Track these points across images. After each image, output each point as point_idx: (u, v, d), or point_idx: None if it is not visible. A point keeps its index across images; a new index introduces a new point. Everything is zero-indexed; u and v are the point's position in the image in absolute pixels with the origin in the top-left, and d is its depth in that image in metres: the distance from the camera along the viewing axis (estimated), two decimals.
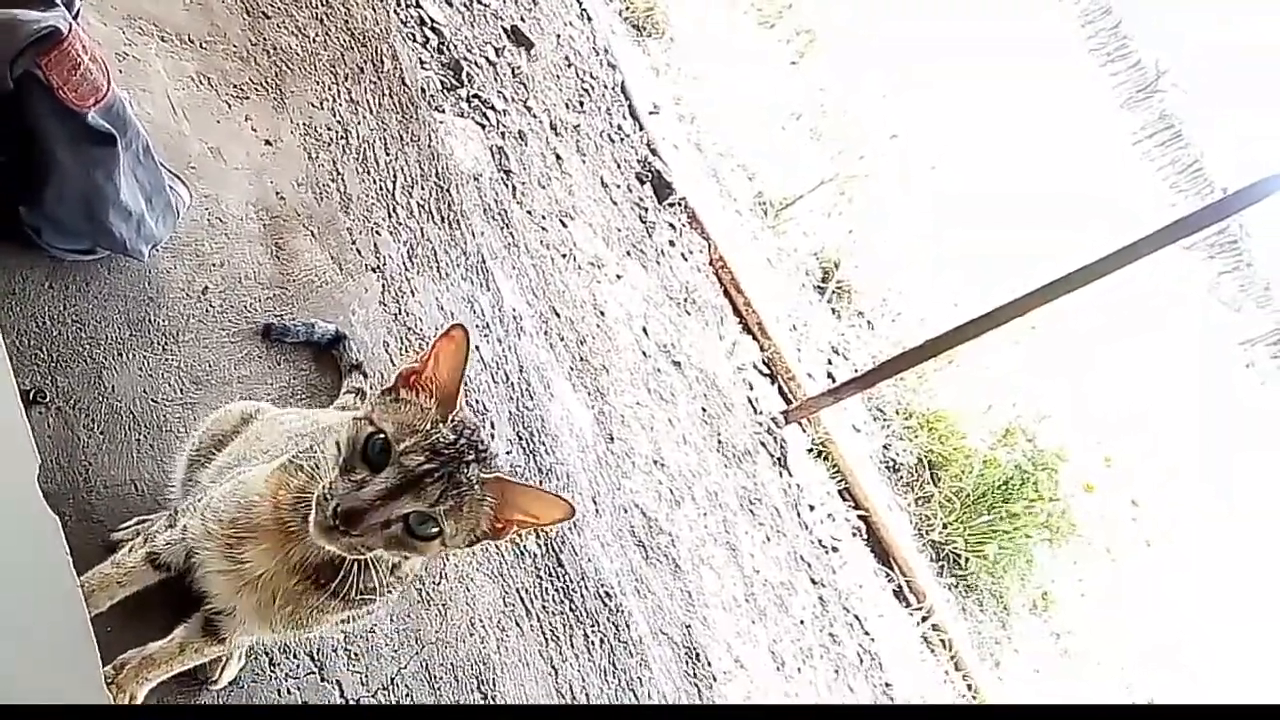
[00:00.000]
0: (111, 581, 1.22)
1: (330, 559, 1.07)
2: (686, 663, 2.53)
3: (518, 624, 2.03)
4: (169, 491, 1.43)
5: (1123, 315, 6.48)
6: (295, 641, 1.54)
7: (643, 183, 3.99)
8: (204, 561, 1.16)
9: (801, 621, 3.24)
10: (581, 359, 2.92)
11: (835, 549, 3.76)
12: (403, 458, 0.96)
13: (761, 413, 3.87)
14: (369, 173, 2.35)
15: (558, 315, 2.93)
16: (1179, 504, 6.12)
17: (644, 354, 3.33)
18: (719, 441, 3.49)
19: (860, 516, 4.03)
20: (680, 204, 4.12)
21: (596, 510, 2.56)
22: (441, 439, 0.98)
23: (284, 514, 1.08)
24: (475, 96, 3.10)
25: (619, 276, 3.46)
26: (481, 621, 1.93)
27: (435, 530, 0.99)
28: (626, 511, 2.70)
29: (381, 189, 2.37)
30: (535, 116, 3.44)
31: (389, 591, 1.16)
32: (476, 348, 2.41)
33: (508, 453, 2.32)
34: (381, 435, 0.97)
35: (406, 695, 1.67)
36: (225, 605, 1.18)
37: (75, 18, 1.41)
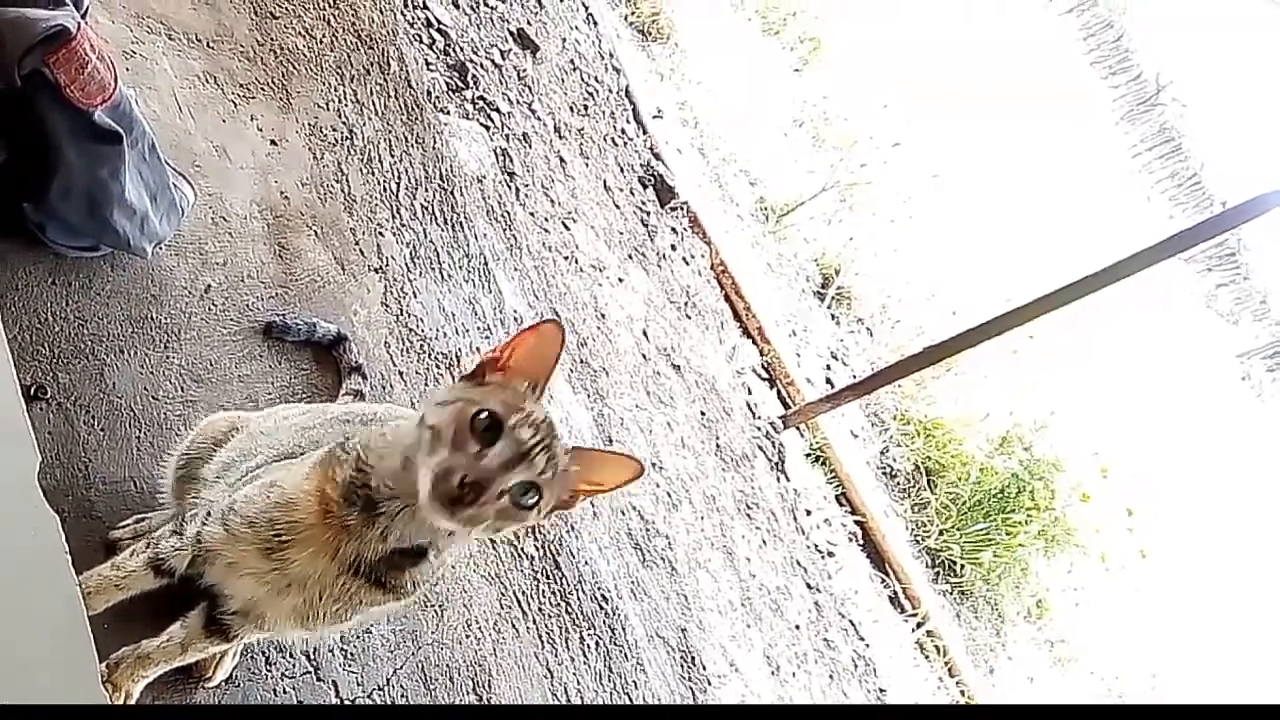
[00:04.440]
0: (109, 584, 1.21)
1: (388, 556, 1.09)
2: (681, 666, 2.53)
3: (514, 626, 2.03)
4: (162, 496, 1.43)
5: (1121, 327, 6.50)
6: (292, 640, 1.54)
7: (645, 186, 3.99)
8: (228, 565, 1.14)
9: (797, 626, 3.24)
10: (582, 361, 2.93)
11: (831, 554, 3.76)
12: (515, 431, 1.01)
13: (760, 417, 3.88)
14: (373, 173, 2.36)
15: (559, 317, 2.94)
16: (1174, 515, 6.13)
17: (644, 357, 3.33)
18: (717, 445, 3.49)
19: (857, 522, 4.04)
20: (682, 208, 4.13)
21: (594, 513, 2.57)
22: (539, 416, 1.04)
23: (335, 509, 1.08)
24: (480, 99, 3.10)
25: (620, 279, 3.47)
26: (478, 623, 1.94)
27: (534, 500, 1.04)
28: (624, 514, 2.70)
29: (386, 190, 2.38)
30: (540, 119, 3.44)
31: (431, 580, 1.17)
32: (478, 349, 2.42)
33: None
34: (488, 413, 1.01)
35: (402, 696, 1.67)
36: (249, 606, 1.16)
37: (84, 16, 1.41)
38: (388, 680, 1.67)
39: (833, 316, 5.11)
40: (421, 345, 2.22)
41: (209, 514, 1.17)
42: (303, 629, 1.17)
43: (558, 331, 1.06)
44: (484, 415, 1.01)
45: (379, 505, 1.06)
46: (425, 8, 3.04)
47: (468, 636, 1.89)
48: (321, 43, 2.41)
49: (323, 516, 1.08)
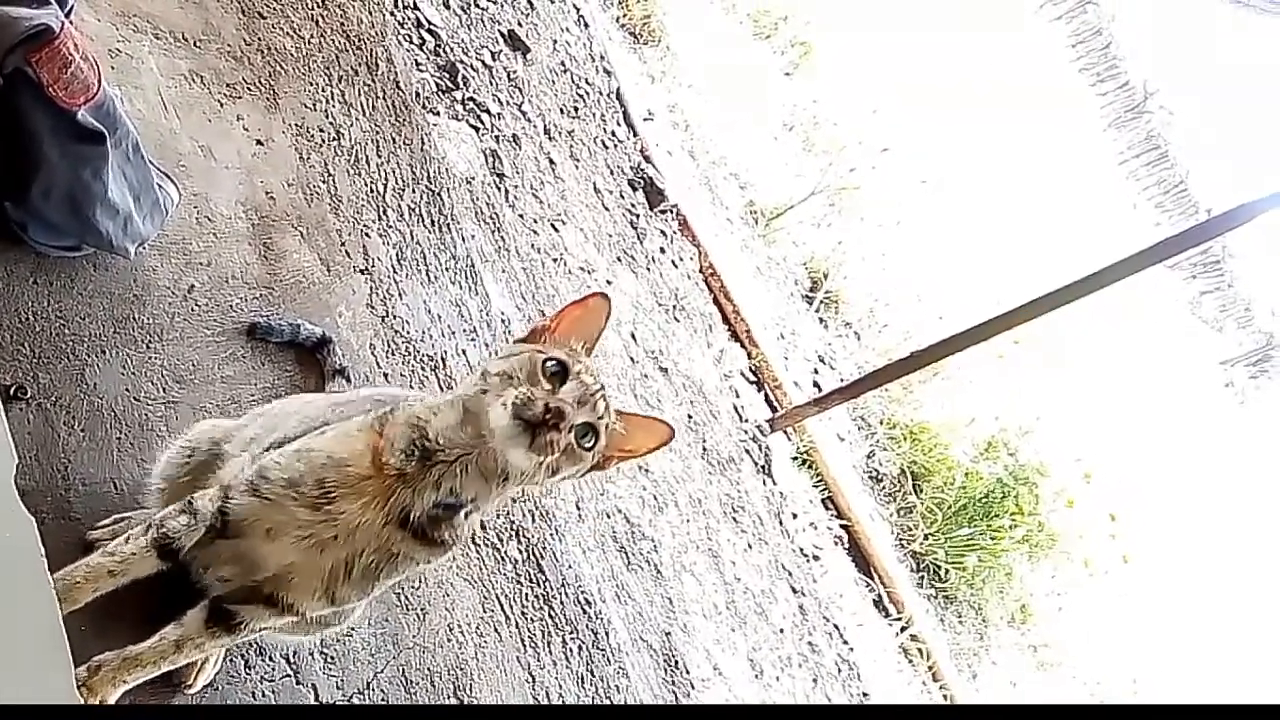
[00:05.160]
0: (102, 572, 1.19)
1: (430, 509, 1.13)
2: (665, 670, 2.54)
3: (496, 630, 2.03)
4: (147, 497, 1.42)
5: (1105, 333, 6.56)
6: (271, 643, 1.54)
7: (635, 189, 4.00)
8: (265, 532, 1.14)
9: (781, 630, 3.25)
10: None
11: (816, 558, 3.77)
12: (580, 376, 1.12)
13: (747, 420, 3.89)
14: (360, 174, 2.35)
15: (545, 317, 2.93)
16: (1157, 521, 6.18)
17: (631, 360, 3.34)
18: (704, 448, 3.50)
19: (842, 526, 4.05)
20: (672, 211, 4.14)
21: (579, 515, 2.57)
22: (594, 369, 1.16)
23: (392, 459, 1.13)
24: (470, 100, 3.10)
25: (609, 282, 3.47)
26: (460, 627, 1.94)
27: (592, 443, 1.13)
28: (609, 517, 2.71)
29: (372, 191, 2.37)
30: (530, 121, 3.44)
31: (465, 537, 1.22)
32: (463, 351, 2.41)
33: None
34: (556, 360, 1.12)
35: (382, 700, 1.67)
36: (280, 572, 1.16)
37: (68, 15, 1.41)
38: (368, 684, 1.66)
39: (821, 320, 5.13)
40: (407, 348, 2.22)
41: (229, 487, 1.18)
42: (327, 598, 1.18)
43: (604, 303, 1.20)
44: (552, 362, 1.12)
45: (435, 456, 1.12)
46: (415, 8, 3.03)
47: (449, 640, 1.89)
48: (309, 43, 2.40)
49: (377, 469, 1.13)
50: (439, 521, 1.16)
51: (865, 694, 3.46)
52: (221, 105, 2.04)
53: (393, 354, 2.16)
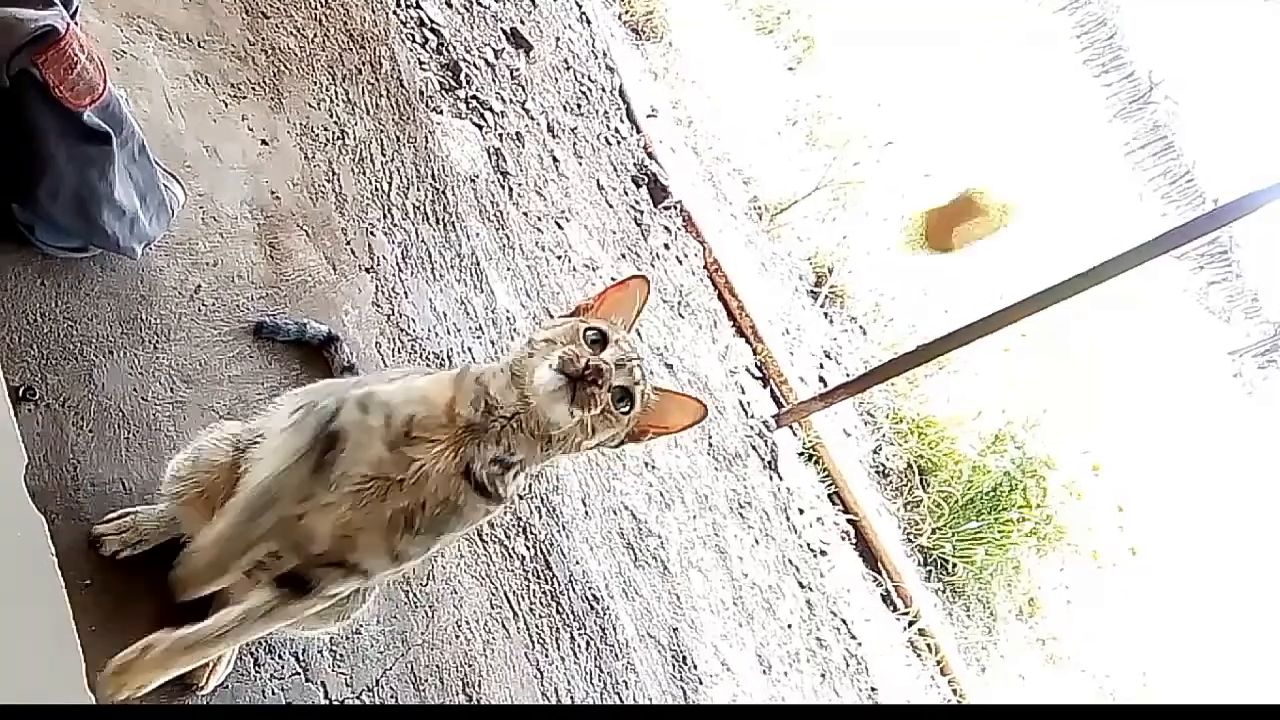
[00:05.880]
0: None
1: (489, 463, 1.19)
2: (673, 666, 2.54)
3: (504, 626, 2.04)
4: (160, 497, 1.42)
5: (1113, 325, 6.53)
6: (280, 641, 1.55)
7: (639, 186, 3.99)
8: (347, 460, 1.18)
9: (789, 625, 3.25)
10: None
11: (824, 553, 3.77)
12: (619, 344, 1.20)
13: (753, 416, 3.88)
14: (365, 173, 2.36)
15: (551, 317, 2.93)
16: (1165, 512, 6.16)
17: None
18: (710, 444, 3.50)
19: (849, 521, 4.05)
20: (676, 207, 4.13)
21: (586, 512, 2.57)
22: (632, 339, 1.24)
23: (465, 411, 1.20)
24: (473, 98, 3.10)
25: (614, 279, 3.47)
26: (468, 623, 1.94)
27: (628, 409, 1.20)
28: (616, 514, 2.71)
29: (377, 190, 2.38)
30: (533, 118, 3.44)
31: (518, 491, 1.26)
32: (469, 349, 2.42)
33: None
34: (596, 328, 1.21)
35: (391, 697, 1.67)
36: (335, 543, 1.19)
37: (73, 17, 1.41)
38: (377, 681, 1.67)
39: (826, 315, 5.12)
40: (413, 345, 2.22)
41: (343, 398, 1.22)
42: (390, 554, 1.22)
43: (644, 284, 1.30)
44: (593, 330, 1.21)
45: (495, 412, 1.19)
46: (418, 7, 3.03)
47: (458, 637, 1.89)
48: (313, 42, 2.40)
49: (450, 419, 1.20)
50: (493, 477, 1.22)
51: (874, 689, 3.46)
52: (226, 105, 2.04)
53: (398, 351, 2.16)
